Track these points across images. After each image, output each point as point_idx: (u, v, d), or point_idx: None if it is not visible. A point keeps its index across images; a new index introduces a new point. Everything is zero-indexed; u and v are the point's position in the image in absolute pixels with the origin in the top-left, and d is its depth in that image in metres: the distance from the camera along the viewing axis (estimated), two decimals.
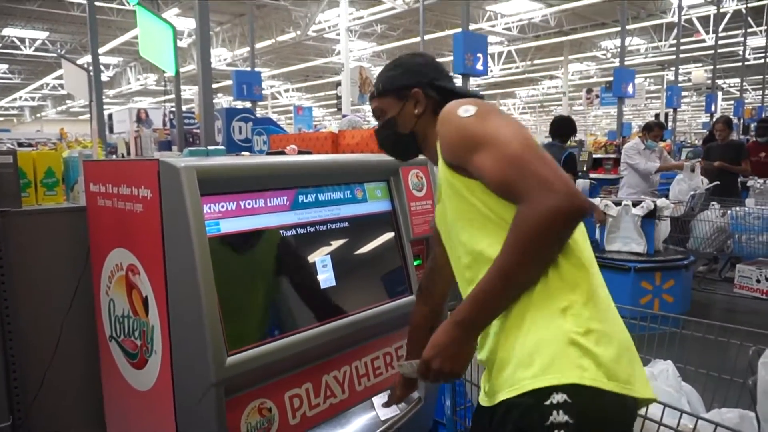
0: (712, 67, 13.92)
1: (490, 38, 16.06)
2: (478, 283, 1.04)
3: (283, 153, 2.09)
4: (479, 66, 5.26)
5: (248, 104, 8.39)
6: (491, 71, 17.81)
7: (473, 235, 1.11)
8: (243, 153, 3.12)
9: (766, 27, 14.15)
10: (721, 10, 13.03)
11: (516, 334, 1.03)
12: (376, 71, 16.87)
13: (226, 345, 1.32)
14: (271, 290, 1.50)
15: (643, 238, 4.18)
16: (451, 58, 5.45)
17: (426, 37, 11.17)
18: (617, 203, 4.34)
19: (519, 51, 18.46)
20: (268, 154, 3.00)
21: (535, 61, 19.55)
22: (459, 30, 5.53)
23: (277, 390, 1.46)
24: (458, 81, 5.57)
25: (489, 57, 5.48)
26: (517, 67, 19.62)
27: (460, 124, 1.09)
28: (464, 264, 1.16)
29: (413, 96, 1.28)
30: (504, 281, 1.00)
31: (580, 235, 1.12)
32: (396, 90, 1.30)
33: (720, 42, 13.60)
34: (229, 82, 9.54)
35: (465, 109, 1.10)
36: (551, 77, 23.25)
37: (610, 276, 3.89)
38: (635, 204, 4.23)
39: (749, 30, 13.87)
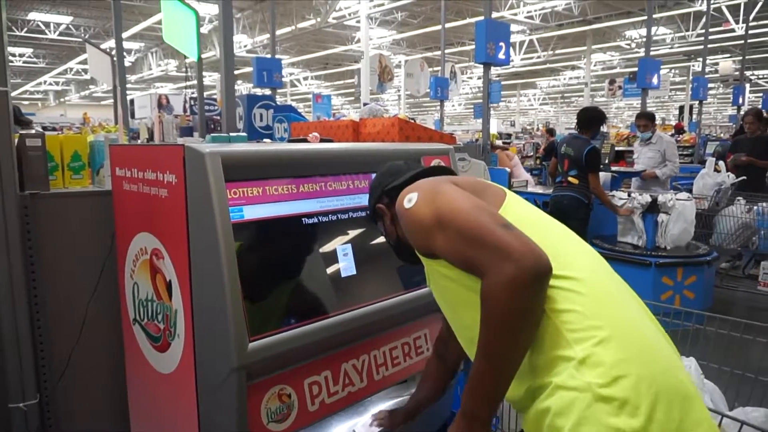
0: (740, 57, 13.55)
1: (513, 27, 15.86)
2: (470, 372, 0.99)
3: (305, 140, 2.09)
4: (501, 55, 5.19)
5: (268, 91, 8.40)
6: (512, 61, 17.61)
7: (463, 312, 1.11)
8: (264, 140, 3.14)
9: None
10: None
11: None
12: (396, 59, 16.82)
13: (248, 330, 1.33)
14: (292, 277, 1.51)
15: (644, 233, 4.20)
16: (473, 46, 5.38)
17: (447, 25, 11.07)
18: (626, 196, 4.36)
19: (541, 40, 18.20)
20: (290, 141, 3.00)
21: (557, 51, 19.26)
22: (481, 18, 5.46)
23: (297, 377, 1.47)
24: (479, 70, 5.51)
25: (511, 46, 5.41)
26: (538, 57, 19.36)
27: (408, 218, 1.11)
28: (465, 328, 1.16)
29: (380, 211, 1.36)
30: (490, 361, 0.95)
31: (567, 245, 1.10)
32: (374, 213, 1.39)
33: (750, 32, 13.22)
34: (249, 69, 9.55)
35: (408, 199, 1.12)
36: (573, 67, 22.91)
37: (630, 271, 3.88)
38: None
39: None
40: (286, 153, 1.63)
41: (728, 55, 18.37)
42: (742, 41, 13.11)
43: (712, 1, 11.80)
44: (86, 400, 1.97)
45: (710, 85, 16.43)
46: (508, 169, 5.10)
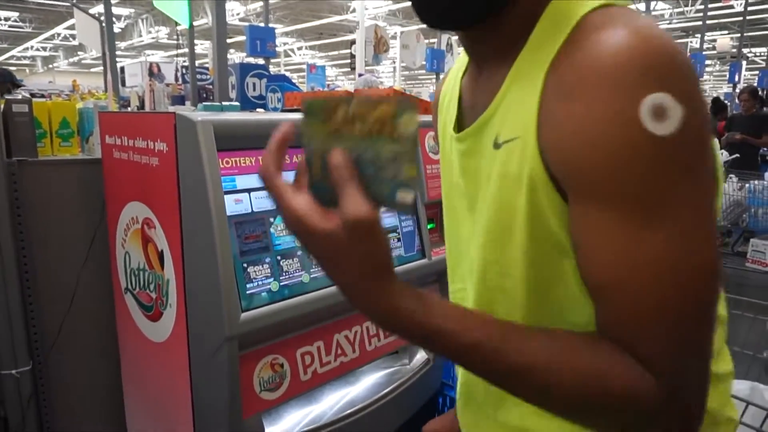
0: (738, 35, 13.47)
1: None
2: (494, 332, 0.54)
3: (299, 111, 2.06)
4: None
5: (261, 61, 8.26)
6: None
7: (528, 267, 0.62)
8: (257, 110, 3.09)
9: None
10: None
11: None
12: (391, 30, 16.55)
13: (240, 301, 1.33)
14: (286, 247, 1.51)
15: None
16: None
17: None
18: None
19: None
20: (284, 111, 2.97)
21: None
22: None
23: (290, 347, 1.48)
24: None
25: None
26: None
27: (632, 140, 0.50)
28: (496, 274, 0.67)
29: None
30: (525, 386, 0.55)
31: None
32: None
33: (749, 9, 13.10)
34: (241, 38, 9.38)
35: (657, 107, 0.49)
36: None
37: None
38: None
39: None
40: (279, 122, 1.60)
41: (726, 31, 18.23)
42: (741, 18, 13.00)
43: None
44: (79, 368, 1.98)
45: (707, 62, 16.34)
46: None
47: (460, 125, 0.75)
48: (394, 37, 15.08)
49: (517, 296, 0.65)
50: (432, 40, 12.74)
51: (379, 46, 11.04)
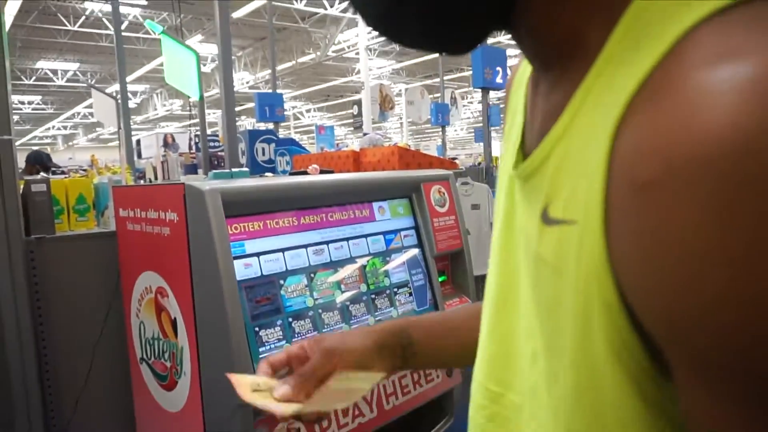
0: None
1: (510, 51, 16.08)
2: None
3: (305, 173, 2.11)
4: (499, 79, 5.25)
5: (271, 125, 8.52)
6: None
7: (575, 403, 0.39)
8: (266, 174, 3.17)
9: None
10: None
11: None
12: (396, 88, 17.03)
13: (253, 365, 1.33)
14: (297, 310, 1.51)
15: None
16: (471, 72, 5.45)
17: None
18: None
19: None
20: (291, 174, 3.04)
21: None
22: None
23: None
24: (479, 95, 5.58)
25: (509, 70, 5.48)
26: None
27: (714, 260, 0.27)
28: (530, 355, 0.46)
29: None
30: None
31: None
32: None
33: None
34: (252, 105, 9.73)
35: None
36: None
37: None
38: None
39: None
40: (286, 186, 1.65)
41: None
42: None
43: None
44: None
45: None
46: None
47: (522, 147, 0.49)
48: (399, 94, 15.52)
49: None
50: (436, 95, 13.08)
51: (385, 104, 11.35)
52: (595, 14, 0.37)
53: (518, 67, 0.58)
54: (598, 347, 0.36)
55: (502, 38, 14.68)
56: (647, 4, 0.34)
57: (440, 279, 1.87)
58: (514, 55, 17.09)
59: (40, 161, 5.18)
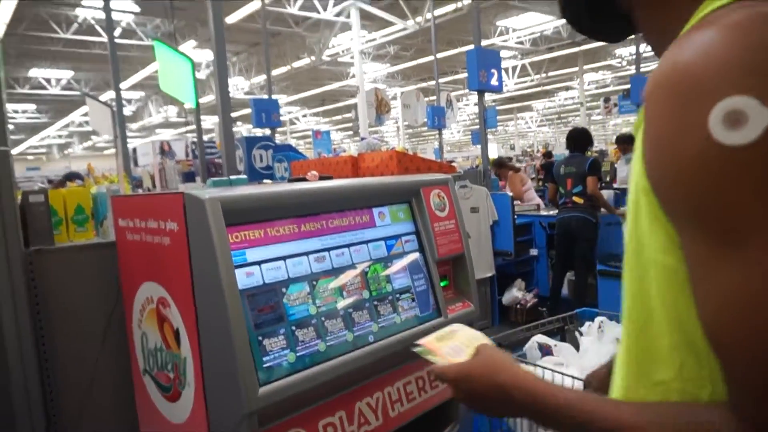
0: None
1: (504, 53, 16.11)
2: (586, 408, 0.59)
3: (304, 179, 2.11)
4: (494, 81, 5.26)
5: (267, 131, 8.51)
6: (506, 85, 17.84)
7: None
8: (265, 180, 3.16)
9: None
10: None
11: None
12: (391, 92, 17.05)
13: (258, 375, 1.32)
14: (300, 317, 1.50)
15: None
16: (466, 74, 5.46)
17: (439, 55, 11.27)
18: None
19: (533, 64, 18.46)
20: (290, 180, 3.03)
21: (550, 73, 19.51)
22: (471, 47, 5.55)
23: (311, 419, 1.45)
24: (475, 97, 5.58)
25: (503, 71, 5.50)
26: (532, 80, 19.61)
27: (701, 153, 0.47)
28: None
29: None
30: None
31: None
32: None
33: None
34: (248, 111, 9.72)
35: (731, 114, 0.45)
36: (567, 88, 23.16)
37: None
38: None
39: None
40: (285, 193, 1.64)
41: None
42: None
43: None
44: None
45: None
46: (510, 193, 5.10)
47: None
48: (394, 98, 15.54)
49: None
50: (432, 98, 13.09)
51: (381, 108, 11.35)
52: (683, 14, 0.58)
53: None
54: (643, 222, 0.56)
55: (495, 40, 14.73)
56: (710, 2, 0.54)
57: (442, 284, 1.87)
58: (507, 56, 17.12)
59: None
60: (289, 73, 16.16)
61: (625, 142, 6.11)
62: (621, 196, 5.53)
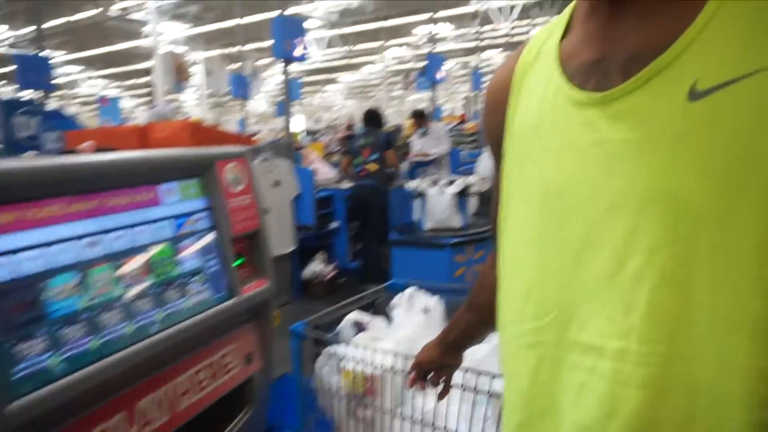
0: (509, 52, 15.62)
1: (313, 23, 16.01)
2: None
3: (73, 152, 1.83)
4: (297, 52, 5.19)
5: (41, 94, 7.30)
6: (313, 56, 17.84)
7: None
8: (28, 153, 2.71)
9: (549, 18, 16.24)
10: (511, 3, 14.69)
11: None
12: (192, 56, 15.89)
13: (6, 391, 1.11)
14: (64, 314, 1.31)
15: (459, 214, 4.49)
16: (272, 42, 5.30)
17: (246, 19, 10.77)
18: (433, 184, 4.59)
19: (342, 36, 18.71)
20: (63, 153, 2.64)
21: (356, 47, 20.00)
22: (278, 13, 5.41)
23: (83, 427, 1.28)
24: (280, 66, 5.47)
25: (306, 41, 5.47)
26: (340, 53, 19.91)
27: None
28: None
29: None
30: None
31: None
32: None
33: (513, 31, 15.37)
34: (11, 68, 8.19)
35: None
36: (373, 63, 24.02)
37: (429, 254, 4.14)
38: (450, 183, 4.51)
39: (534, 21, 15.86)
40: (51, 168, 1.39)
41: (500, 49, 20.90)
42: (508, 38, 15.18)
43: (483, 4, 13.39)
44: None
45: (486, 78, 18.59)
46: (311, 168, 5.18)
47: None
48: (196, 63, 14.51)
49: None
50: (237, 65, 12.53)
51: (181, 74, 10.51)
52: None
53: (512, 61, 0.72)
54: None
55: (301, 8, 14.56)
56: None
57: (238, 262, 1.79)
58: (315, 27, 17.06)
59: None
60: (68, 27, 14.03)
61: (418, 116, 6.75)
62: (416, 167, 5.99)
